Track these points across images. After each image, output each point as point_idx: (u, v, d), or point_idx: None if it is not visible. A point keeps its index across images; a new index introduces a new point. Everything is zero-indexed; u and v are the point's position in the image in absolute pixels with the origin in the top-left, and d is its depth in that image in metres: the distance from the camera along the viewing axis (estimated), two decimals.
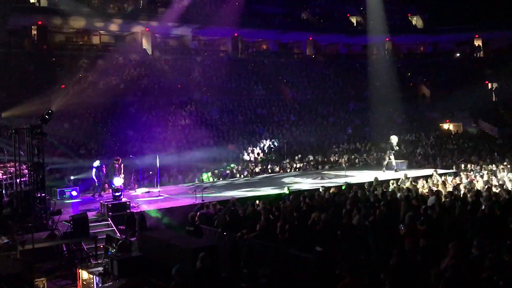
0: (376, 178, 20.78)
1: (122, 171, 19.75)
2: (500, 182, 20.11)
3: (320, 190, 18.38)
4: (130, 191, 21.90)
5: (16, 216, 15.00)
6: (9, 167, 18.30)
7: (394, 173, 25.36)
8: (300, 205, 15.48)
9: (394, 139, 26.88)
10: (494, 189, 17.75)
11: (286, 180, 25.16)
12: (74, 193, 20.55)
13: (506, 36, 51.09)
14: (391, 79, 47.15)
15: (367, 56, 51.31)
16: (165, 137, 30.98)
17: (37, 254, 13.53)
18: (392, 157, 26.91)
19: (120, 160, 20.03)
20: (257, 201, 16.73)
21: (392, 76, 47.73)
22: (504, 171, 23.74)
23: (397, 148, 27.38)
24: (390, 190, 17.87)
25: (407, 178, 21.37)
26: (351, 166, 30.29)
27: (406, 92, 46.53)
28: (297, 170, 29.48)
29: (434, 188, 17.91)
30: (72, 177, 22.47)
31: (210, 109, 36.55)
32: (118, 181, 18.71)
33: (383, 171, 26.18)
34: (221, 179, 26.85)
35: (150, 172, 23.77)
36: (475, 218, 12.89)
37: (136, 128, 31.38)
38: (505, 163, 26.01)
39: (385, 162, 26.96)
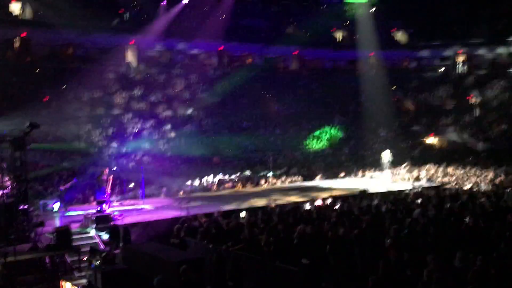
0: (361, 191, 20.84)
1: (110, 183, 19.38)
2: (485, 195, 20.26)
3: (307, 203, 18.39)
4: (114, 204, 21.71)
5: None
6: None
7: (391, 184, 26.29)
8: (285, 217, 15.46)
9: (386, 153, 27.37)
10: (478, 202, 17.84)
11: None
12: (57, 205, 20.33)
13: (489, 52, 51.77)
14: (375, 93, 47.53)
15: (352, 70, 51.59)
16: (150, 150, 30.82)
17: (20, 266, 13.35)
18: (388, 170, 27.41)
19: (107, 170, 19.51)
20: (242, 214, 16.69)
21: (377, 91, 48.13)
22: (488, 184, 23.94)
23: (390, 161, 27.81)
24: (375, 202, 17.90)
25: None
26: (336, 178, 30.40)
27: (391, 107, 46.84)
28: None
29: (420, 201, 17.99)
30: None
31: (195, 122, 36.53)
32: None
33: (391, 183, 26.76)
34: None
35: (132, 184, 23.55)
36: (460, 230, 12.96)
37: (120, 140, 31.19)
38: (489, 176, 26.25)
39: (390, 175, 27.50)
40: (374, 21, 50.16)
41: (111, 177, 19.38)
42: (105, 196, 18.62)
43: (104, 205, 18.18)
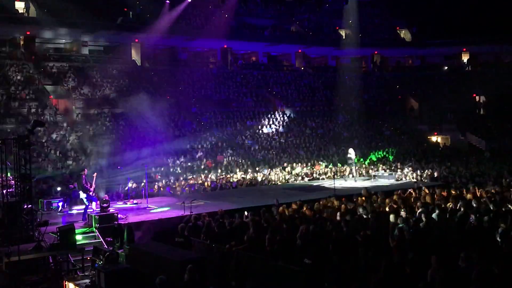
0: (365, 190, 20.79)
1: (93, 182, 19.10)
2: (489, 195, 20.17)
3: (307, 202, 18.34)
4: (118, 203, 21.73)
5: (2, 227, 14.80)
6: None
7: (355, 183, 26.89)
8: (288, 217, 15.44)
9: (351, 152, 28.01)
10: (482, 201, 17.76)
11: None
12: (61, 204, 20.34)
13: (493, 50, 51.61)
14: (379, 91, 47.50)
15: (356, 68, 51.53)
16: (154, 148, 30.82)
17: (23, 266, 13.37)
18: (353, 168, 28.55)
19: (86, 170, 19.23)
20: (246, 213, 16.66)
21: (381, 89, 48.11)
22: (492, 184, 23.82)
23: (355, 159, 28.59)
24: (379, 201, 17.84)
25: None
26: (340, 177, 30.32)
27: (395, 105, 46.80)
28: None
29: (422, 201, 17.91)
30: (59, 188, 22.33)
31: (198, 121, 36.56)
32: (82, 195, 18.60)
33: (355, 181, 27.54)
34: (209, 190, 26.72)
35: (131, 185, 23.52)
36: (463, 230, 12.92)
37: (125, 139, 31.21)
38: (492, 176, 26.16)
39: (354, 173, 28.01)
40: (378, 19, 50.15)
41: (95, 175, 19.20)
42: (91, 194, 18.54)
43: (94, 204, 18.21)
